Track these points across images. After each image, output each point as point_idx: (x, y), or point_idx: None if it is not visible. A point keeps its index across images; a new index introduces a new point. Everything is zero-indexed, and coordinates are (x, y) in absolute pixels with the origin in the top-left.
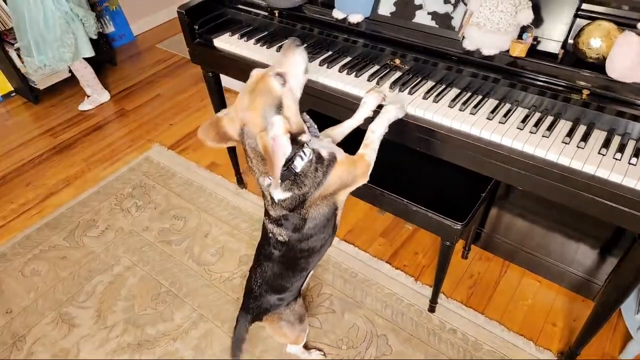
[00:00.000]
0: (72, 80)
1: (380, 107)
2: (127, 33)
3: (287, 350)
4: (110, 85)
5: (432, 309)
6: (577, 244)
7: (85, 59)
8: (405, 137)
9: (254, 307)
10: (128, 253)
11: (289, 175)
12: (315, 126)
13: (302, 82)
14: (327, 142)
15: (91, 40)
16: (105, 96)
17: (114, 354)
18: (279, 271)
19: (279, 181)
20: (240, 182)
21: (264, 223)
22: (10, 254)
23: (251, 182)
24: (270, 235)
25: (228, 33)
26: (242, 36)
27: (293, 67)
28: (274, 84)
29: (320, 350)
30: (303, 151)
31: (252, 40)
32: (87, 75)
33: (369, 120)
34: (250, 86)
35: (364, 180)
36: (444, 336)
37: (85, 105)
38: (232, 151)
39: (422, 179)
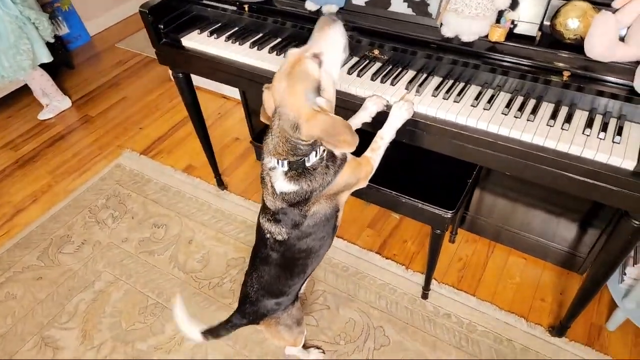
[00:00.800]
0: (27, 88)
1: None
2: (83, 34)
3: (286, 352)
4: (70, 90)
5: (425, 296)
6: (557, 219)
7: (41, 65)
8: None
9: (250, 312)
10: (109, 267)
11: (299, 166)
12: None
13: (340, 62)
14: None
15: (47, 44)
16: (66, 103)
17: None
18: (276, 274)
19: (357, 141)
20: (221, 184)
21: (259, 224)
22: None
23: (232, 182)
24: (268, 235)
25: (196, 31)
26: (211, 33)
27: (331, 45)
28: (312, 67)
29: (318, 348)
30: (319, 146)
31: (223, 38)
32: (44, 84)
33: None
34: (287, 69)
35: (364, 183)
36: (438, 321)
37: (45, 114)
38: (209, 151)
39: (409, 169)
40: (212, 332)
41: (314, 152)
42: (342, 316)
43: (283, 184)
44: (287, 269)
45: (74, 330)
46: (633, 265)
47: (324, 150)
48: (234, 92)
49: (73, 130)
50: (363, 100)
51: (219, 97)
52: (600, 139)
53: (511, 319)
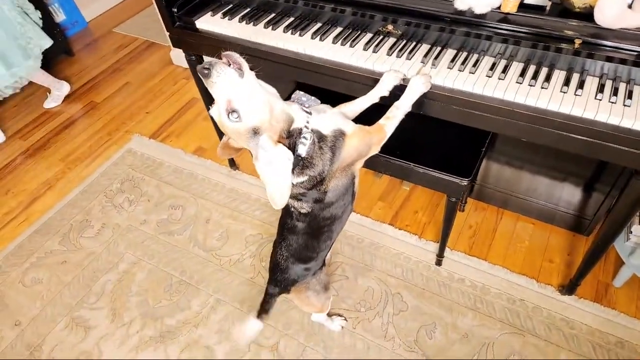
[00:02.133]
0: None
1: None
2: (80, 19)
3: (312, 318)
4: (73, 77)
5: (439, 263)
6: (562, 184)
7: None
8: None
9: (281, 279)
10: (130, 249)
11: (297, 162)
12: (308, 97)
13: (252, 87)
14: (332, 114)
15: (47, 31)
16: (65, 88)
17: (138, 349)
18: (304, 242)
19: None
20: (232, 164)
21: None
22: (5, 265)
23: (243, 162)
24: (292, 209)
25: (209, 13)
26: (224, 15)
27: (228, 93)
28: (236, 127)
29: (341, 316)
30: (303, 136)
31: (237, 19)
32: (41, 78)
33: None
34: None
35: (377, 150)
36: (453, 286)
37: (49, 103)
38: (221, 132)
39: (424, 140)
40: (262, 312)
41: (300, 144)
42: (360, 285)
43: (295, 178)
44: (314, 236)
45: (103, 310)
46: (639, 223)
47: (312, 135)
48: None
49: (79, 118)
50: (380, 74)
51: None
52: (612, 102)
53: (522, 280)
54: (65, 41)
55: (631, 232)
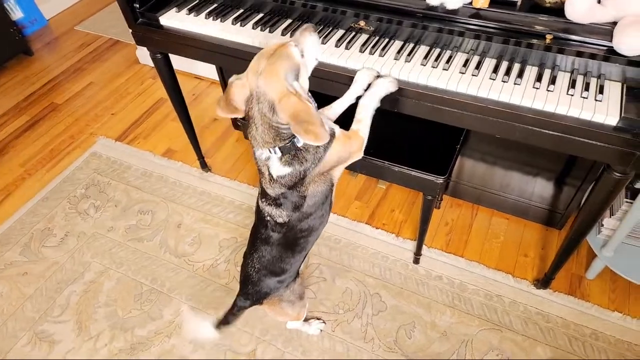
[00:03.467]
0: None
1: None
2: (38, 17)
3: (288, 326)
4: (32, 78)
5: (416, 261)
6: (534, 179)
7: None
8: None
9: (252, 292)
10: (97, 257)
11: (291, 149)
12: (315, 104)
13: (313, 64)
14: (324, 117)
15: (2, 30)
16: None
17: None
18: (278, 254)
19: (327, 137)
20: (204, 166)
21: (258, 206)
22: None
23: (215, 163)
24: (268, 218)
25: (174, 9)
26: (190, 11)
27: (310, 46)
28: (295, 52)
29: (318, 319)
30: None
31: (203, 15)
32: None
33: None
34: (269, 51)
35: (359, 155)
36: (431, 283)
37: None
38: (192, 134)
39: (397, 138)
40: (223, 322)
41: None
42: (338, 286)
43: (279, 169)
44: (289, 248)
45: (69, 323)
46: (610, 217)
47: None
48: (207, 72)
49: (40, 120)
50: (353, 71)
51: (192, 77)
52: (584, 97)
53: (499, 276)
54: (23, 40)
55: (603, 225)
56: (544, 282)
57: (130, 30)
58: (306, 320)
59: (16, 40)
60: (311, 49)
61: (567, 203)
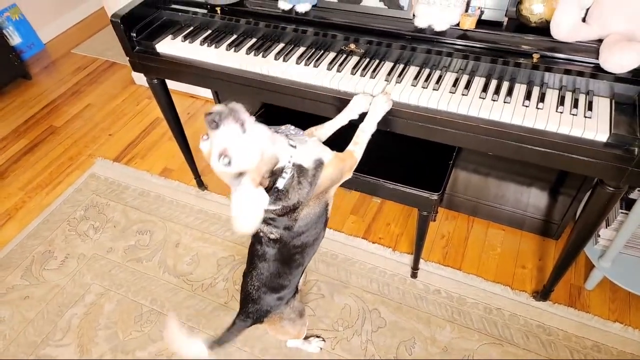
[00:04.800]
0: None
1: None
2: (36, 41)
3: (288, 344)
4: (30, 101)
5: (414, 275)
6: (529, 189)
7: None
8: None
9: (253, 311)
10: (97, 279)
11: (273, 192)
12: (296, 130)
13: (250, 145)
14: (312, 143)
15: (1, 55)
16: None
17: None
18: (275, 270)
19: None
20: (201, 185)
21: None
22: None
23: (211, 182)
24: (261, 234)
25: (169, 37)
26: (185, 38)
27: (229, 145)
28: (223, 169)
29: (318, 337)
30: (284, 171)
31: (197, 42)
32: None
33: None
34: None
35: (349, 175)
36: (430, 298)
37: None
38: (187, 153)
39: (392, 156)
40: (218, 342)
41: (280, 178)
42: (337, 303)
43: (266, 206)
44: (286, 263)
45: (70, 346)
46: (606, 227)
47: (292, 170)
48: (202, 91)
49: (39, 143)
50: (345, 93)
51: (187, 97)
52: (573, 115)
53: (497, 288)
54: (21, 65)
55: (599, 236)
56: (543, 294)
57: (128, 58)
58: (306, 338)
59: (15, 65)
60: (233, 140)
61: (562, 213)
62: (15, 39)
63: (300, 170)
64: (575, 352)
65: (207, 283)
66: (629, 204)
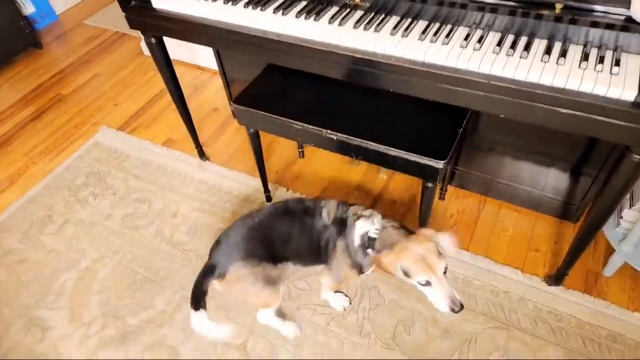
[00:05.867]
0: None
1: None
2: (49, 12)
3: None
4: (40, 70)
5: None
6: (547, 168)
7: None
8: (376, 79)
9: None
10: (93, 245)
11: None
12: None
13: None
14: None
15: (13, 24)
16: None
17: (97, 350)
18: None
19: None
20: (202, 155)
21: None
22: None
23: (214, 153)
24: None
25: None
26: None
27: None
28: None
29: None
30: None
31: None
32: None
33: None
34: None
35: None
36: None
37: None
38: (188, 121)
39: (396, 122)
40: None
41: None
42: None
43: None
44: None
45: (62, 310)
46: (630, 208)
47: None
48: (209, 63)
49: (46, 111)
50: (346, 50)
51: (194, 68)
52: (598, 71)
53: (506, 271)
54: (33, 34)
55: (622, 217)
56: (556, 278)
57: (124, 14)
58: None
59: (26, 33)
60: None
61: (583, 194)
62: (28, 9)
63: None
64: (588, 341)
65: (202, 253)
66: None
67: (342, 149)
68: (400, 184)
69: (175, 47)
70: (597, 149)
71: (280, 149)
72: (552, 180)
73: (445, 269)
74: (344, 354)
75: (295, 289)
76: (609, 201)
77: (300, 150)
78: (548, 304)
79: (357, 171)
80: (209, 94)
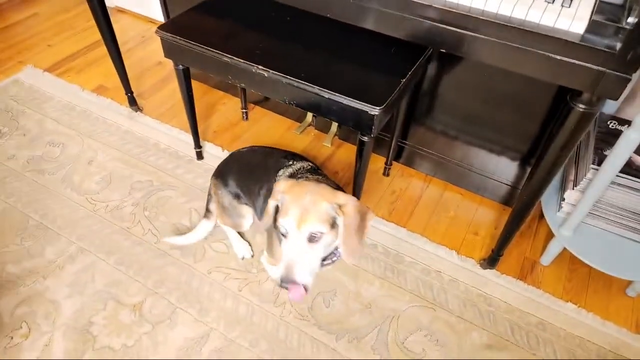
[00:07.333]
0: None
1: None
2: None
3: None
4: None
5: None
6: (498, 153)
7: None
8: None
9: None
10: None
11: None
12: None
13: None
14: None
15: None
16: None
17: None
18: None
19: None
20: (133, 103)
21: None
22: None
23: (148, 105)
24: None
25: None
26: None
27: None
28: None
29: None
30: None
31: None
32: None
33: None
34: None
35: None
36: (363, 251)
37: None
38: (119, 62)
39: (337, 64)
40: None
41: None
42: (257, 242)
43: None
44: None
45: None
46: (573, 189)
47: None
48: (160, 15)
49: None
50: None
51: (145, 20)
52: (548, 2)
53: (441, 251)
54: None
55: (564, 199)
56: (490, 260)
57: None
58: None
59: None
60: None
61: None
62: None
63: None
64: (516, 327)
65: (112, 205)
66: (601, 161)
67: (274, 91)
68: (345, 156)
69: None
70: (548, 137)
71: (224, 110)
72: (501, 164)
73: (314, 238)
74: (252, 322)
75: (211, 251)
76: (549, 165)
77: (244, 110)
78: (480, 287)
79: (302, 138)
80: (156, 47)
